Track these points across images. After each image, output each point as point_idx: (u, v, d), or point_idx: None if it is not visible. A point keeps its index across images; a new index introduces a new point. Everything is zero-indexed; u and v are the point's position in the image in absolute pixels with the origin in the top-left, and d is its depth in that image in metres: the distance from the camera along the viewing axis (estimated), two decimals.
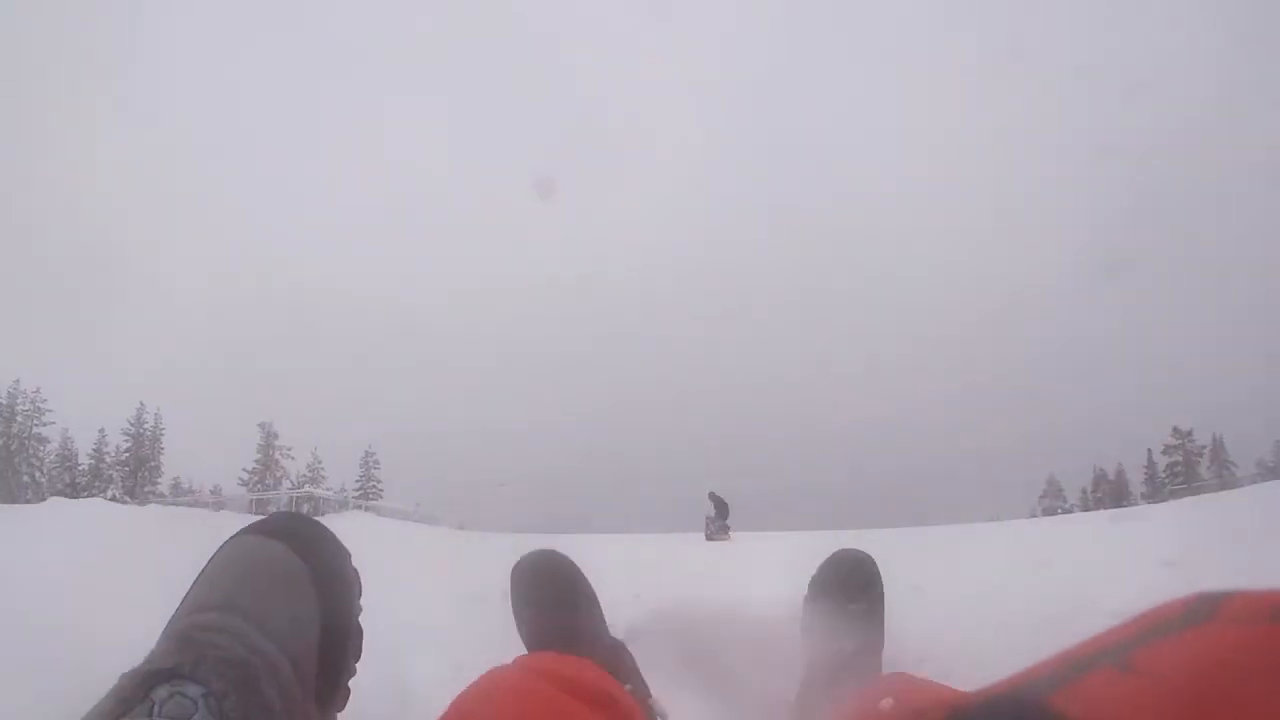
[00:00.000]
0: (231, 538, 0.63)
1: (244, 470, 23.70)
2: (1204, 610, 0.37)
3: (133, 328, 33.34)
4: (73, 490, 21.30)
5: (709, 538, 10.76)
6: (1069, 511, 24.29)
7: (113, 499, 18.49)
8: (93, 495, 19.40)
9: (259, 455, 24.05)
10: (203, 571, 0.61)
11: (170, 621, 0.57)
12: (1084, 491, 28.72)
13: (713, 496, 12.34)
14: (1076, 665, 0.39)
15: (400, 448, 30.08)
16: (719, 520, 11.68)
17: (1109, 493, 26.82)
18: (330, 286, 42.83)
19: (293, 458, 24.89)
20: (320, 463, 26.10)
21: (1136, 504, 22.35)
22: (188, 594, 0.59)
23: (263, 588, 0.59)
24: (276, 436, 25.08)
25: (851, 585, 1.06)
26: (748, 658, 1.05)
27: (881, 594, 1.09)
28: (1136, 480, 27.44)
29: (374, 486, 28.02)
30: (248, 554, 0.61)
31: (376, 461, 28.13)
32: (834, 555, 1.12)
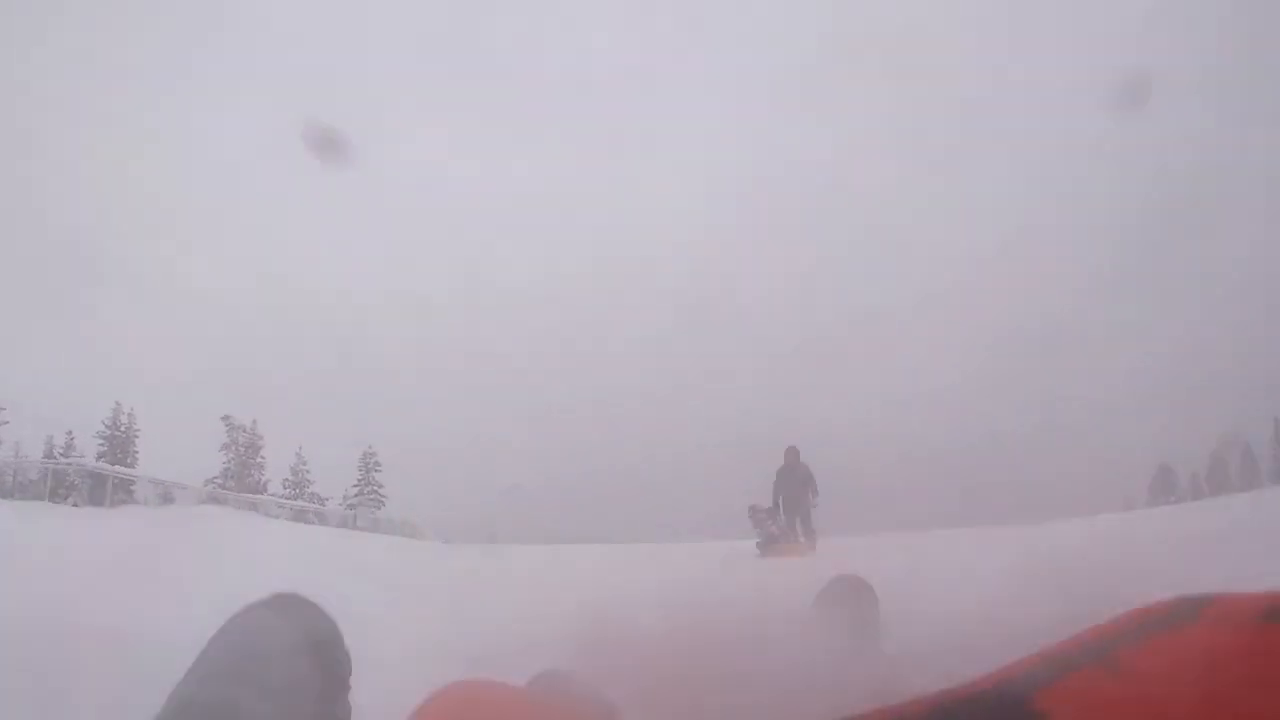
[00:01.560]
0: (238, 614, 0.75)
1: (219, 475, 23.00)
2: (1189, 610, 0.39)
3: (110, 324, 33.09)
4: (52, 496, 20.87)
5: (764, 549, 6.93)
6: (1180, 501, 22.41)
7: (74, 505, 17.84)
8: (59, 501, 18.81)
9: (227, 454, 23.38)
10: (210, 644, 0.72)
11: (177, 688, 0.68)
12: (1194, 476, 26.53)
13: (786, 467, 7.54)
14: (1059, 663, 0.40)
15: (413, 452, 29.35)
16: (787, 515, 7.36)
17: (1227, 476, 24.73)
18: (328, 283, 42.58)
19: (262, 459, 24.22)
20: (305, 464, 25.35)
21: (1264, 486, 20.45)
22: (195, 664, 0.70)
23: (267, 661, 0.69)
24: (261, 438, 24.46)
25: (850, 611, 1.22)
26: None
27: (878, 618, 1.24)
28: (1266, 457, 25.11)
29: (373, 491, 27.29)
30: (254, 631, 0.72)
31: (378, 465, 27.43)
32: (833, 581, 1.31)
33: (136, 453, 23.75)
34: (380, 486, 27.00)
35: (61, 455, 23.13)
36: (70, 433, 23.66)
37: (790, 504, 7.55)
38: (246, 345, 34.71)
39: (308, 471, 25.40)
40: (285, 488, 24.45)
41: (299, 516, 17.98)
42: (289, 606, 0.77)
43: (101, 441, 24.06)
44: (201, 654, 0.71)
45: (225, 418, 23.51)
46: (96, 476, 17.52)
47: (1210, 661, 0.36)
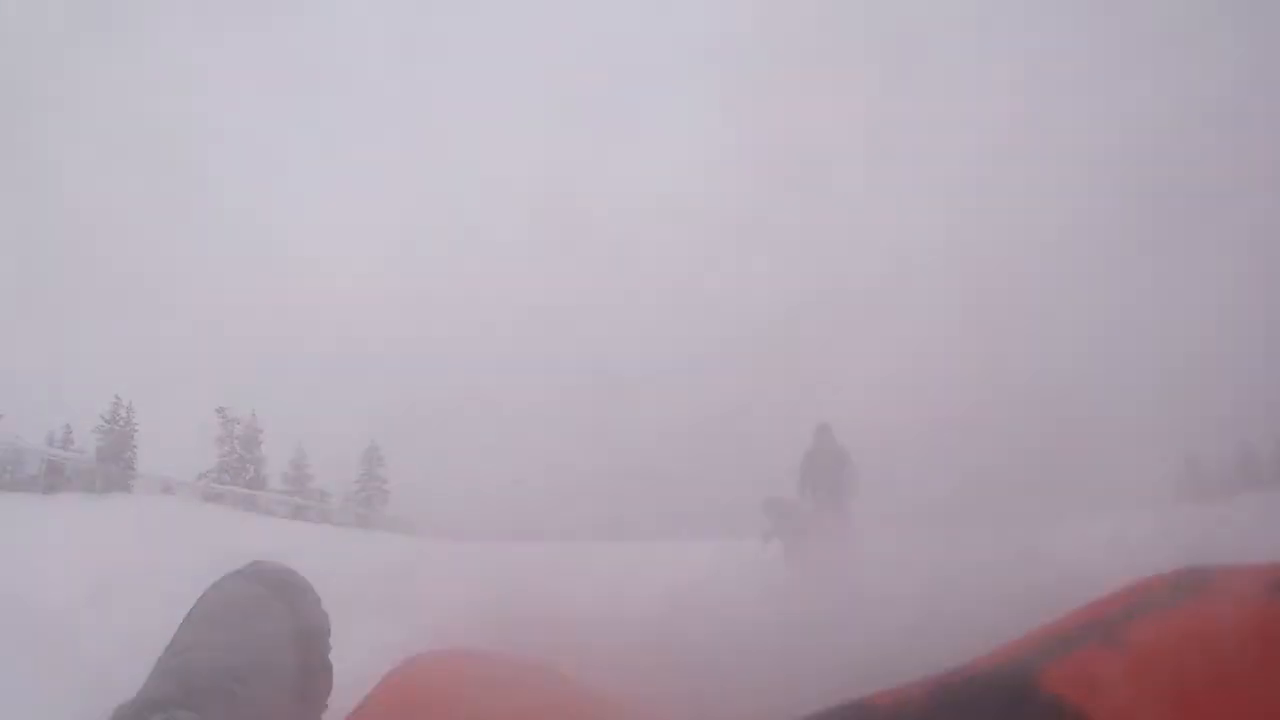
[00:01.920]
0: (216, 583, 0.83)
1: (214, 470, 23.00)
2: (1193, 584, 0.39)
3: (110, 317, 33.24)
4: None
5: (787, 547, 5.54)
6: (1208, 496, 22.11)
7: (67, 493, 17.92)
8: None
9: (222, 447, 23.34)
10: (191, 611, 0.79)
11: (162, 657, 0.73)
12: (1223, 468, 26.14)
13: (816, 449, 6.19)
14: (1064, 640, 0.40)
15: (419, 447, 29.40)
16: (819, 509, 5.84)
17: (1260, 468, 24.39)
18: (331, 274, 42.73)
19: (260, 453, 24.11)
20: (304, 457, 25.36)
21: None
22: (178, 632, 0.76)
23: (247, 626, 0.75)
24: (261, 431, 24.48)
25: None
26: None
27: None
28: None
29: (377, 486, 27.30)
30: (232, 597, 0.79)
31: (381, 459, 27.41)
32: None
33: (135, 446, 23.90)
34: (384, 481, 27.04)
35: (59, 449, 23.31)
36: (68, 426, 23.78)
37: (822, 495, 6.12)
38: (248, 340, 34.87)
39: (308, 465, 25.49)
40: (285, 482, 24.54)
41: (298, 513, 18.07)
42: (264, 571, 0.83)
43: (100, 435, 24.21)
44: (183, 622, 0.77)
45: (220, 410, 23.52)
46: (94, 471, 17.70)
47: (1218, 635, 0.35)
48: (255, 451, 24.03)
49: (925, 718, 0.40)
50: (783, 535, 5.89)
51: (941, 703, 0.40)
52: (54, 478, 16.93)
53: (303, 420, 26.25)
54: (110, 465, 19.78)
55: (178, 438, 24.81)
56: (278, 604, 0.78)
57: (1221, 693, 0.34)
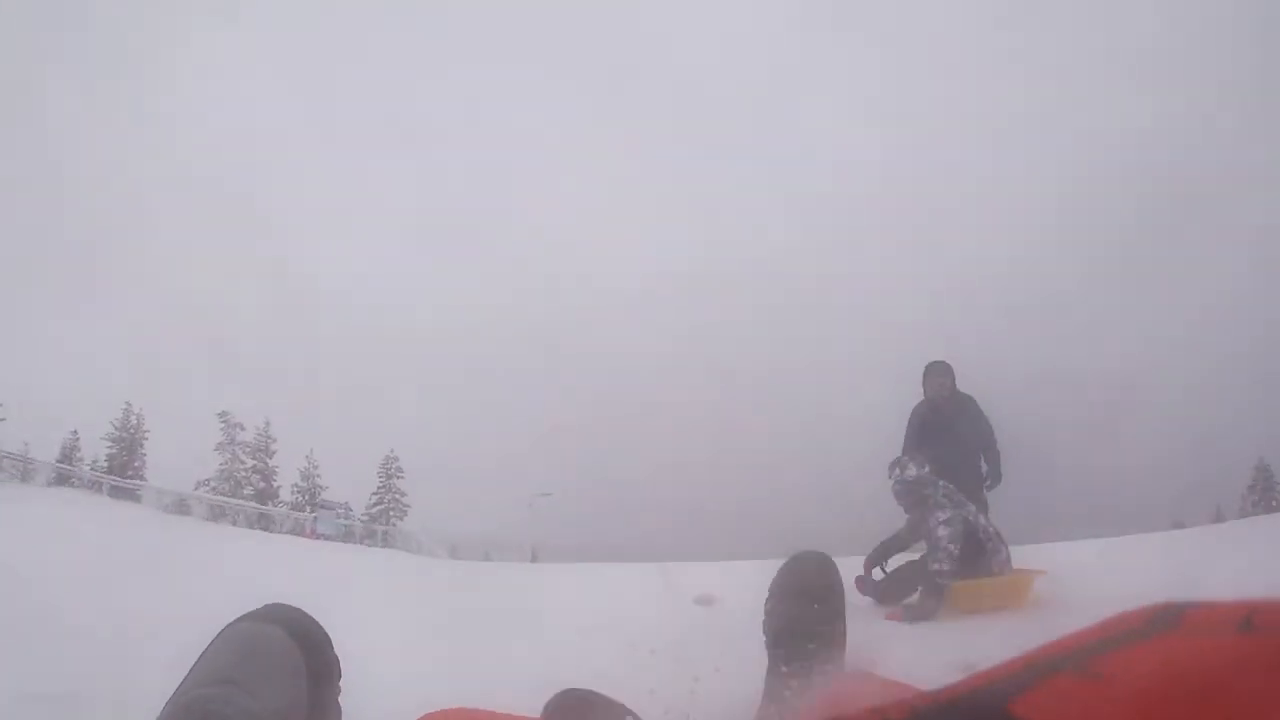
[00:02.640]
0: (232, 623, 0.84)
1: (214, 478, 22.99)
2: (1168, 618, 0.42)
3: (120, 323, 33.70)
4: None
5: (926, 603, 3.09)
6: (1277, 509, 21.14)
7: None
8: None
9: (224, 455, 23.17)
10: (206, 650, 0.80)
11: (175, 693, 0.74)
12: None
13: (930, 406, 3.91)
14: (1037, 669, 0.42)
15: (439, 460, 29.32)
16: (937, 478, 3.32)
17: None
18: (349, 285, 43.16)
19: (246, 459, 23.84)
20: (316, 467, 25.17)
21: None
22: (192, 669, 0.77)
23: (262, 667, 0.77)
24: (274, 440, 24.46)
25: (813, 588, 1.25)
26: None
27: (842, 595, 1.27)
28: None
29: (395, 499, 26.97)
30: (248, 637, 0.81)
31: (400, 470, 27.12)
32: (795, 557, 1.30)
33: (144, 455, 24.10)
34: (403, 495, 26.61)
35: (68, 459, 23.59)
36: (75, 432, 23.99)
37: (946, 479, 3.45)
38: (260, 345, 35.20)
39: (319, 476, 25.32)
40: (295, 493, 24.42)
41: (301, 528, 17.77)
42: (280, 614, 0.84)
43: (110, 444, 24.44)
44: (197, 661, 0.77)
45: (222, 414, 23.35)
46: (99, 481, 17.82)
47: (1188, 670, 0.37)
48: (266, 462, 24.00)
49: None
50: (938, 571, 3.21)
51: None
52: (62, 486, 17.13)
53: (317, 431, 26.26)
54: (119, 476, 19.90)
55: (188, 447, 25.01)
56: (292, 645, 0.81)
57: None
